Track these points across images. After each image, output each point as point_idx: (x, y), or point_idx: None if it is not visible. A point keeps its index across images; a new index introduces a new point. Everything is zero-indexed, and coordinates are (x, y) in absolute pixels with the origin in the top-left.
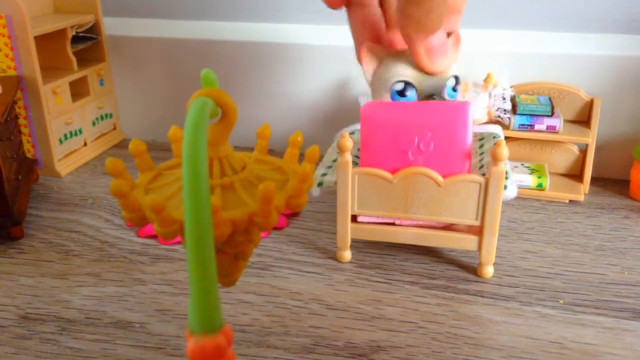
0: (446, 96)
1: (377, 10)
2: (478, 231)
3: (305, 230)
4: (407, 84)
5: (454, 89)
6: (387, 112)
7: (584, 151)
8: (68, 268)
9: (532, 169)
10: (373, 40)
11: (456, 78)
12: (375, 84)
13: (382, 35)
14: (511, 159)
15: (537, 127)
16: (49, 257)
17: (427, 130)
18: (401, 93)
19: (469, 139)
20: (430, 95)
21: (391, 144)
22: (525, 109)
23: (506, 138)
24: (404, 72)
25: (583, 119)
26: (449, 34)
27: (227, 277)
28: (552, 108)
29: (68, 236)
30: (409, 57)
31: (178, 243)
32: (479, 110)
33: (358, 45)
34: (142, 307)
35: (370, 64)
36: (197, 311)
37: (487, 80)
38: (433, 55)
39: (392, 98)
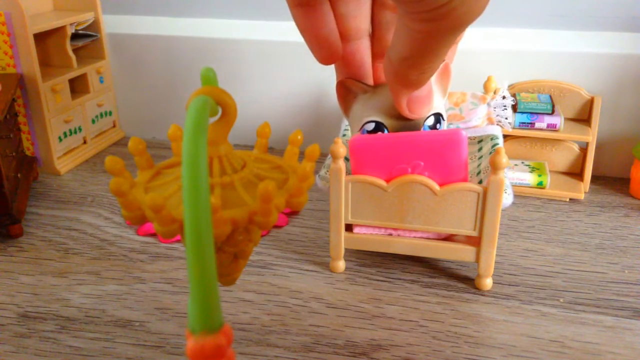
0: None
1: (366, 43)
2: (476, 242)
3: (305, 228)
4: (379, 123)
5: (434, 128)
6: (377, 144)
7: (584, 149)
8: (67, 266)
9: (533, 167)
10: (355, 75)
11: (438, 116)
12: (351, 121)
13: (367, 69)
14: (511, 157)
15: (537, 125)
16: (48, 255)
17: (419, 160)
18: (373, 133)
19: (464, 166)
20: None
21: (383, 176)
22: (526, 107)
23: (506, 136)
24: (378, 112)
25: (583, 117)
26: None
27: (227, 276)
28: (553, 106)
29: (67, 234)
30: (385, 94)
31: (178, 241)
32: (478, 119)
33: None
34: (142, 305)
35: (345, 101)
36: (196, 310)
37: (487, 84)
38: (416, 106)
39: None
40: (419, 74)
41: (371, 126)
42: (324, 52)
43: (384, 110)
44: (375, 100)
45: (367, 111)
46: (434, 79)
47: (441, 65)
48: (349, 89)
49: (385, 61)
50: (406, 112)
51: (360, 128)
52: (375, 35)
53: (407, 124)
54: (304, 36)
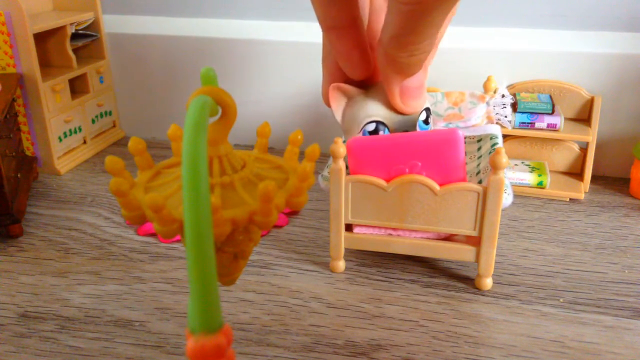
0: (419, 130)
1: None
2: (476, 242)
3: (305, 228)
4: (379, 123)
5: (426, 122)
6: (375, 145)
7: (584, 149)
8: (67, 266)
9: (533, 167)
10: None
11: (427, 110)
12: (347, 124)
13: (369, 62)
14: (511, 157)
15: (537, 125)
16: (48, 255)
17: (417, 161)
18: (373, 133)
19: (461, 165)
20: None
21: (381, 177)
22: (526, 107)
23: (506, 136)
24: (376, 111)
25: (583, 117)
26: None
27: (227, 276)
28: (553, 106)
29: (67, 234)
30: (379, 94)
31: (178, 241)
32: (477, 118)
33: (326, 84)
34: (142, 305)
35: (339, 104)
36: (196, 310)
37: (486, 84)
38: (408, 98)
39: None
40: (407, 56)
41: (372, 126)
42: (357, 71)
43: (381, 109)
44: (371, 100)
45: (366, 111)
46: None
47: None
48: (343, 92)
49: (377, 47)
50: (400, 105)
51: (361, 129)
52: (369, 21)
53: (404, 119)
54: (336, 56)
